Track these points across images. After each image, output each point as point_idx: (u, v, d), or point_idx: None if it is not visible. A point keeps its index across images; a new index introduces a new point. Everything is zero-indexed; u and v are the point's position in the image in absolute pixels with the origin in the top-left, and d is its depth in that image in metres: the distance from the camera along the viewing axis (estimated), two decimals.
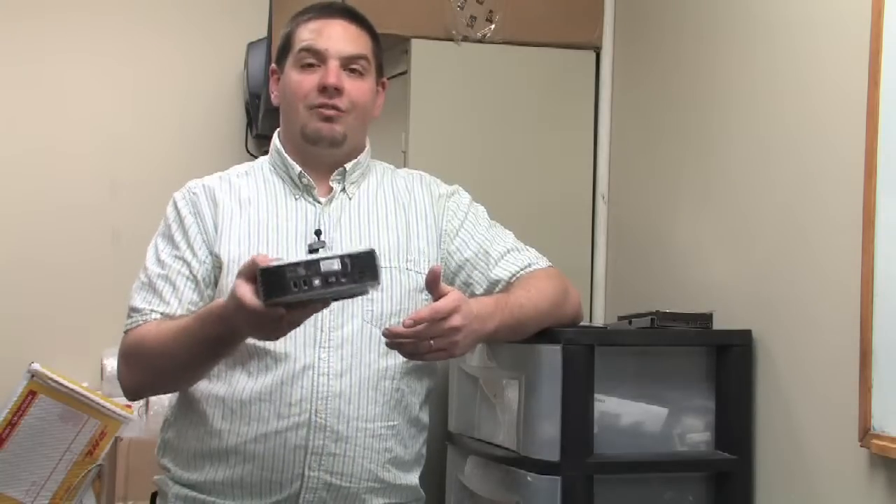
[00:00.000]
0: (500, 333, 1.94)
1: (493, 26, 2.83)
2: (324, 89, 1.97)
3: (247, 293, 1.63)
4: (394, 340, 1.78)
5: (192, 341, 1.82)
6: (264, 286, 1.61)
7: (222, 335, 1.77)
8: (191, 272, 1.96)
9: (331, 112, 1.98)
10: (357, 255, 1.63)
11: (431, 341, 1.77)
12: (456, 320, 1.77)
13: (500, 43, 2.84)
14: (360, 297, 1.85)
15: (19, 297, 3.48)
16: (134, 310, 1.96)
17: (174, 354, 1.86)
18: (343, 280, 1.61)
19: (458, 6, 2.80)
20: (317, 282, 1.60)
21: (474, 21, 2.82)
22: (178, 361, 1.86)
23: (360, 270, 1.62)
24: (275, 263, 1.62)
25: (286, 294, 1.60)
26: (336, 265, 1.61)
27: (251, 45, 3.48)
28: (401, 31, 2.77)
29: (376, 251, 1.64)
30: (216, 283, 1.96)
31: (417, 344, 1.77)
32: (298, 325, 1.71)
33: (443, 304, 1.77)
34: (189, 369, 1.89)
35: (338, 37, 2.00)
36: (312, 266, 1.61)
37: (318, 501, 1.92)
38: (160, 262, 1.98)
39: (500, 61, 2.86)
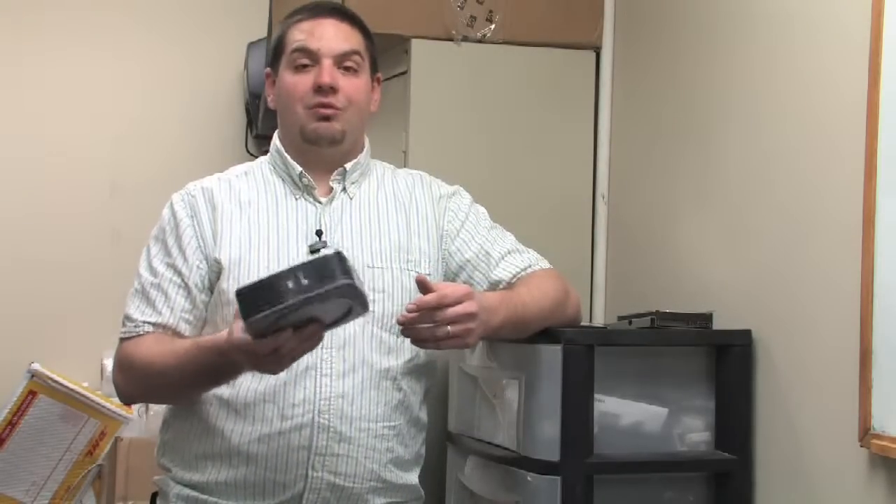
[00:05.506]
0: (505, 329, 1.95)
1: (493, 26, 2.83)
2: (319, 89, 1.97)
3: (236, 328, 1.67)
4: (410, 326, 1.79)
5: (193, 369, 1.86)
6: (241, 306, 1.60)
7: (222, 367, 1.81)
8: (182, 280, 1.96)
9: (328, 111, 1.98)
10: (316, 259, 1.61)
11: (449, 327, 1.78)
12: (471, 306, 1.80)
13: (500, 43, 2.84)
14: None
15: (19, 297, 3.47)
16: (128, 318, 1.98)
17: (173, 378, 1.90)
18: (309, 283, 1.56)
19: (458, 6, 2.80)
20: (288, 292, 1.56)
21: (474, 21, 2.82)
22: (176, 384, 1.91)
23: (324, 274, 1.57)
24: (245, 284, 1.62)
25: (259, 311, 1.57)
26: (299, 273, 1.57)
27: (251, 45, 3.48)
28: (401, 31, 2.77)
29: (343, 253, 1.61)
30: (212, 288, 1.97)
31: (435, 330, 1.78)
32: (299, 356, 1.72)
33: (451, 289, 1.81)
34: (186, 392, 1.94)
35: (329, 35, 2.00)
36: (278, 279, 1.57)
37: (321, 502, 1.92)
38: (152, 269, 1.99)
39: (500, 61, 2.86)
